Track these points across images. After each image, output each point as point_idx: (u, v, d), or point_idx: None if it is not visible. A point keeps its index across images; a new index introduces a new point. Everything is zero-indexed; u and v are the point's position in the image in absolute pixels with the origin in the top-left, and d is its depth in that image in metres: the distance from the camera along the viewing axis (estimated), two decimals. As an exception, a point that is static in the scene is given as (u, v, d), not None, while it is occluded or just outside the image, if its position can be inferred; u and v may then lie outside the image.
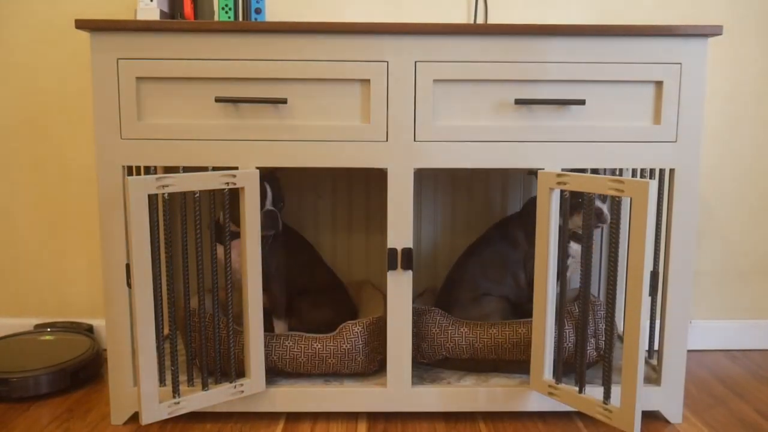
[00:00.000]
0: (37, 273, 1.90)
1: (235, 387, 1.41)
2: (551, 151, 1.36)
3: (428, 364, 1.53)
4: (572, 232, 1.49)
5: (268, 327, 1.58)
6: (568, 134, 1.36)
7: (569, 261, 1.51)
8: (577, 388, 1.34)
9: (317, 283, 1.62)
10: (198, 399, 1.39)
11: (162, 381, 1.42)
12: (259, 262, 1.38)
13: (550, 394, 1.36)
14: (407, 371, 1.43)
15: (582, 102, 1.34)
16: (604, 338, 1.50)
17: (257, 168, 1.36)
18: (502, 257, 1.55)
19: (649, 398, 1.44)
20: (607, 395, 1.31)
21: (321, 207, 1.81)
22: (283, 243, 1.57)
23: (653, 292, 1.49)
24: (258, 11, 1.60)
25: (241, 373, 1.44)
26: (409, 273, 1.39)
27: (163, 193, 1.29)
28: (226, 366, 1.44)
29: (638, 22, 1.81)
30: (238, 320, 1.47)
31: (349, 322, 1.49)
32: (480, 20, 1.81)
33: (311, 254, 1.66)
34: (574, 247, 1.51)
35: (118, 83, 1.32)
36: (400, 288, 1.40)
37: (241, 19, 1.61)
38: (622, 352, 1.26)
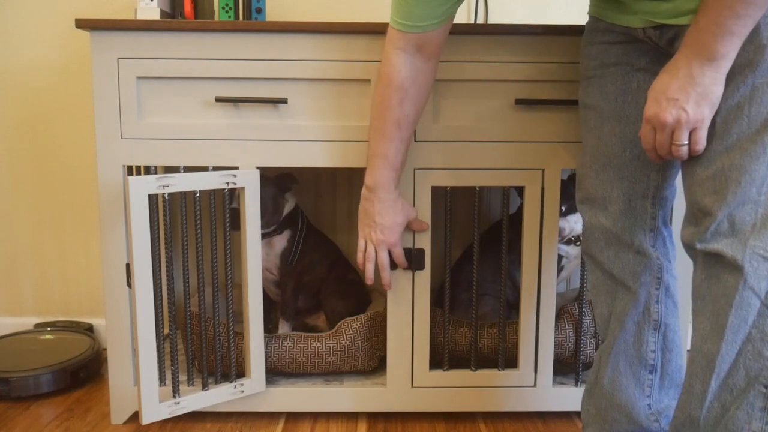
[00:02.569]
0: (37, 272, 1.90)
1: (235, 387, 1.41)
2: (550, 151, 1.36)
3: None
4: (565, 238, 1.50)
5: (276, 322, 1.60)
6: (572, 134, 1.36)
7: (563, 262, 1.52)
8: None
9: (339, 276, 1.63)
10: (198, 399, 1.39)
11: (162, 381, 1.42)
12: (259, 262, 1.38)
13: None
14: (407, 371, 1.43)
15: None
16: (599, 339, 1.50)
17: (257, 168, 1.36)
18: (498, 258, 1.55)
19: (649, 398, 1.43)
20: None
21: (321, 207, 1.81)
22: (306, 241, 1.58)
23: (653, 292, 1.49)
24: (258, 11, 1.60)
25: (241, 373, 1.44)
26: (410, 273, 1.39)
27: (164, 193, 1.29)
28: (226, 366, 1.44)
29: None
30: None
31: (348, 318, 1.49)
32: (480, 20, 1.81)
33: (334, 249, 1.67)
34: (566, 249, 1.51)
35: (119, 83, 1.32)
36: (400, 288, 1.40)
37: (241, 18, 1.61)
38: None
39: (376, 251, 1.31)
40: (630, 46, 1.06)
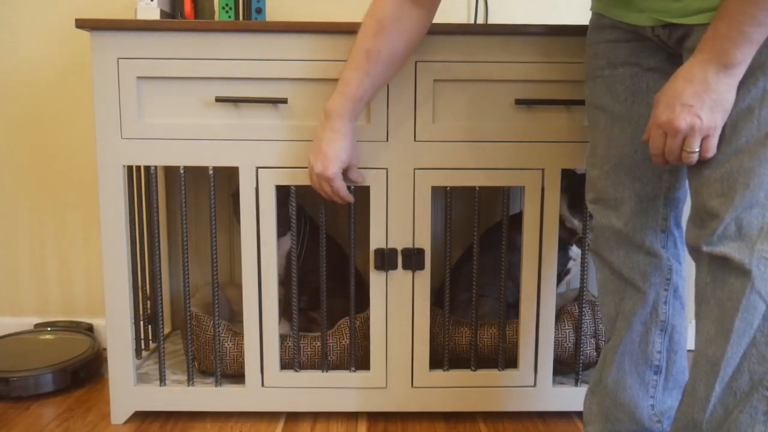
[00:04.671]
0: (37, 272, 1.90)
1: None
2: (550, 151, 1.37)
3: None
4: (579, 237, 1.50)
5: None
6: (572, 134, 1.36)
7: (570, 264, 1.52)
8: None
9: (340, 275, 1.63)
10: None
11: (162, 381, 1.42)
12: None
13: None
14: (407, 371, 1.43)
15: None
16: (604, 338, 1.50)
17: (257, 167, 1.36)
18: (499, 259, 1.55)
19: (649, 398, 1.43)
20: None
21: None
22: (310, 241, 1.58)
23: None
24: (258, 11, 1.60)
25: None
26: (409, 273, 1.39)
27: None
28: (226, 366, 1.44)
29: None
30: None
31: (348, 317, 1.49)
32: (480, 20, 1.81)
33: (337, 249, 1.67)
34: (576, 251, 1.51)
35: (119, 83, 1.33)
36: (399, 288, 1.40)
37: (241, 18, 1.61)
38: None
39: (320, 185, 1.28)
40: (638, 44, 1.04)
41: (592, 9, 1.13)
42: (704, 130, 0.90)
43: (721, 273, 0.93)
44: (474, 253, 1.44)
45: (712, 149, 0.91)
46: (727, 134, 0.91)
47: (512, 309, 1.58)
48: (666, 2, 0.96)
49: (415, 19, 1.17)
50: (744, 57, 0.86)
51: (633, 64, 1.05)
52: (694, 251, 0.97)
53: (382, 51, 1.18)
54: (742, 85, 0.89)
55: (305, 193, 1.71)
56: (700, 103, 0.89)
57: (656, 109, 0.94)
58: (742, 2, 0.84)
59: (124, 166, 1.36)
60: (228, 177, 1.74)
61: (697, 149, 0.91)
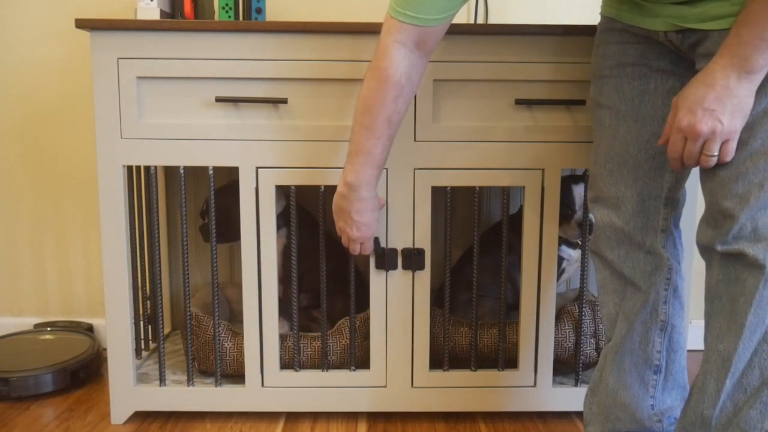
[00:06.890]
0: (36, 272, 1.90)
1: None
2: (550, 151, 1.36)
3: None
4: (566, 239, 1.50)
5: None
6: (572, 134, 1.36)
7: (564, 264, 1.52)
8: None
9: (339, 275, 1.62)
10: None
11: (162, 381, 1.42)
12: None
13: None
14: (407, 371, 1.43)
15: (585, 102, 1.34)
16: (604, 338, 1.50)
17: (258, 167, 1.36)
18: (498, 259, 1.55)
19: (649, 398, 1.43)
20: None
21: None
22: (309, 239, 1.58)
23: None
24: (258, 11, 1.60)
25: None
26: (409, 273, 1.39)
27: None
28: (226, 366, 1.44)
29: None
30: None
31: (347, 317, 1.49)
32: (480, 20, 1.81)
33: (336, 247, 1.66)
34: (569, 252, 1.51)
35: (119, 83, 1.32)
36: (399, 288, 1.40)
37: (241, 18, 1.61)
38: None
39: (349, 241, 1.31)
40: (648, 47, 1.05)
41: (602, 14, 1.14)
42: (725, 134, 0.90)
43: (734, 270, 0.94)
44: (474, 253, 1.44)
45: (730, 153, 0.92)
46: (743, 137, 0.92)
47: (512, 310, 1.58)
48: (682, 9, 0.97)
49: (422, 69, 1.17)
50: (766, 63, 0.87)
51: (642, 65, 1.06)
52: (707, 251, 0.97)
53: (401, 112, 1.17)
54: (760, 89, 0.90)
55: (305, 192, 1.71)
56: (722, 107, 0.89)
57: (677, 114, 0.94)
58: (765, 9, 0.85)
59: (123, 166, 1.36)
60: (228, 177, 1.74)
61: (717, 153, 0.92)
